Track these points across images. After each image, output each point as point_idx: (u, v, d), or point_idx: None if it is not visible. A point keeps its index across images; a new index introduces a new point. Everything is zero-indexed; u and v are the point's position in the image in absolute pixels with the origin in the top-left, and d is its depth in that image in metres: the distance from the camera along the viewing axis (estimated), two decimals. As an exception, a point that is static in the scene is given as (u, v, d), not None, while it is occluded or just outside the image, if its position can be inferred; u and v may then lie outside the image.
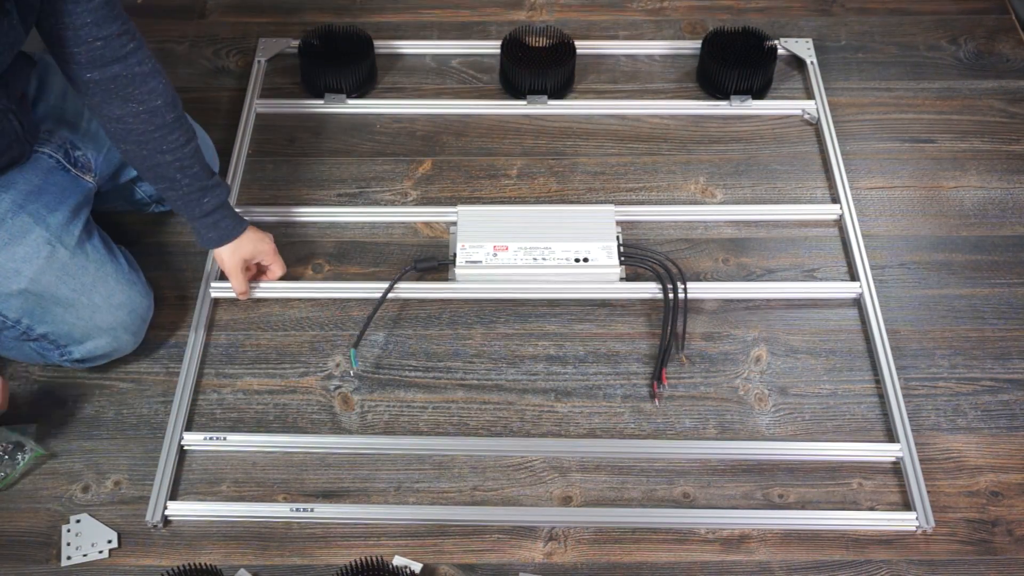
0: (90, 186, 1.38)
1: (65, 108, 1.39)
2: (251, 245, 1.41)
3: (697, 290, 1.47)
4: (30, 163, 1.32)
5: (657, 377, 1.38)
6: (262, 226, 1.55)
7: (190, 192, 1.32)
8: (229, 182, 1.59)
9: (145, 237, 1.52)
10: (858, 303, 1.47)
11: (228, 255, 1.39)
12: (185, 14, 1.89)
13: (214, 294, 1.47)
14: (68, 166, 1.35)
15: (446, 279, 1.48)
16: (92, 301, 1.30)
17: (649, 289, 1.47)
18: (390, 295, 1.45)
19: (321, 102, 1.72)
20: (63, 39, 1.18)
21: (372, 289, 1.46)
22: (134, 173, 1.45)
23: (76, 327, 1.30)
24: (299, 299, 1.48)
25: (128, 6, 1.66)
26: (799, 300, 1.47)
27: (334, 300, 1.47)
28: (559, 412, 1.37)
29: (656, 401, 1.37)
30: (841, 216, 1.56)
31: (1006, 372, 1.40)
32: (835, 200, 1.58)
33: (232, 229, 1.38)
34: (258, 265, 1.46)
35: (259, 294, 1.47)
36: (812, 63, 1.77)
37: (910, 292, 1.49)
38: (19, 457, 1.30)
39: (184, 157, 1.30)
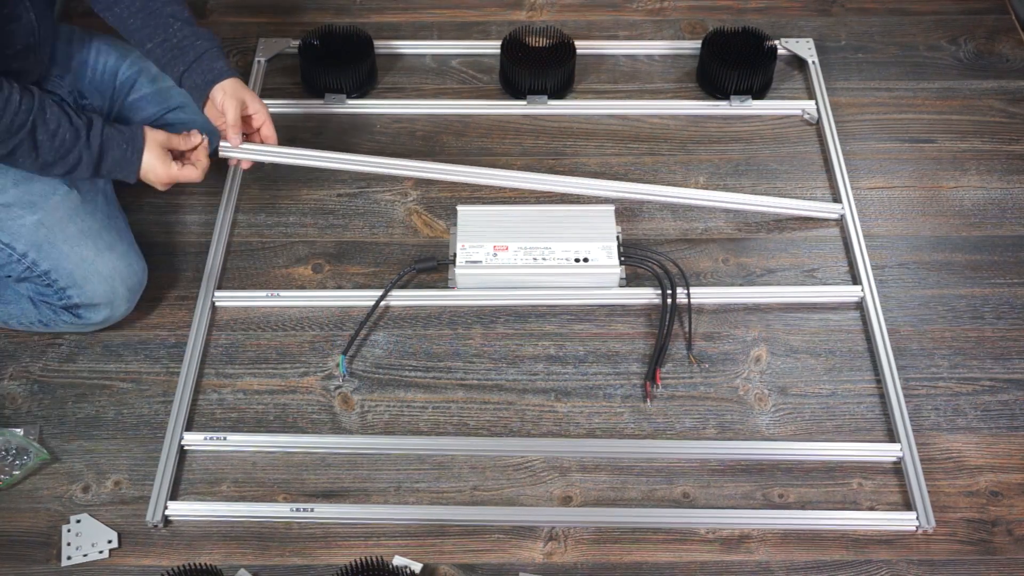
0: None
1: (71, 57, 1.44)
2: (248, 90, 1.40)
3: (698, 295, 1.47)
4: None
5: (651, 377, 1.38)
6: (263, 226, 1.56)
7: (184, 37, 1.36)
8: (229, 182, 1.59)
9: (146, 237, 1.51)
10: (859, 304, 1.47)
11: (228, 91, 1.37)
12: (185, 14, 1.89)
13: (217, 303, 1.47)
14: None
15: (445, 286, 1.48)
16: (96, 245, 1.35)
17: (649, 295, 1.47)
18: (389, 301, 1.46)
19: (321, 102, 1.72)
20: None
21: (372, 297, 1.46)
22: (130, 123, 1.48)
23: (79, 267, 1.33)
24: (302, 301, 1.48)
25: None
26: (800, 302, 1.47)
27: (336, 302, 1.48)
28: (559, 412, 1.37)
29: (649, 401, 1.37)
30: (842, 216, 1.56)
31: (1006, 372, 1.40)
32: (836, 200, 1.58)
33: (226, 70, 1.38)
34: (248, 127, 1.43)
35: (265, 303, 1.47)
36: (813, 63, 1.77)
37: (910, 292, 1.49)
38: (24, 459, 1.30)
39: (175, 2, 1.37)
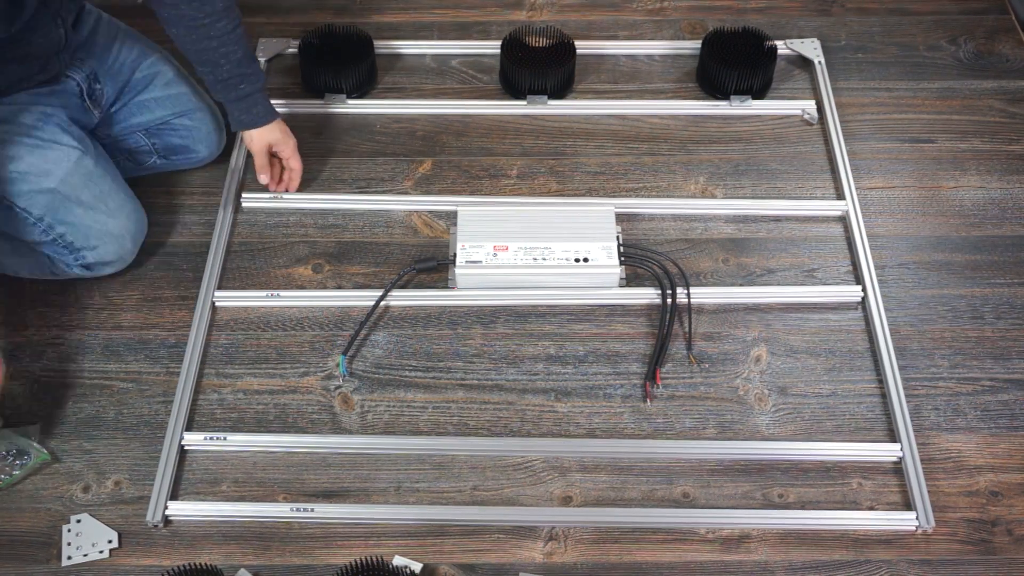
0: (94, 120, 1.50)
1: (95, 42, 1.48)
2: (278, 133, 1.53)
3: (698, 295, 1.47)
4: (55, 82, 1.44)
5: (651, 377, 1.38)
6: (262, 226, 1.56)
7: (229, 77, 1.46)
8: (229, 182, 1.59)
9: (147, 237, 1.52)
10: (860, 304, 1.47)
11: (256, 136, 1.52)
12: (185, 14, 1.89)
13: (217, 303, 1.47)
14: (85, 96, 1.47)
15: (445, 286, 1.48)
16: (108, 207, 1.41)
17: (649, 295, 1.47)
18: (389, 301, 1.46)
19: (321, 102, 1.72)
20: None
21: (372, 297, 1.46)
22: (133, 120, 1.54)
23: (92, 230, 1.40)
24: (302, 301, 1.48)
25: (129, 6, 1.66)
26: (800, 302, 1.48)
27: (336, 302, 1.48)
28: (559, 412, 1.37)
29: (648, 401, 1.37)
30: (846, 215, 1.56)
31: (1006, 372, 1.40)
32: (840, 199, 1.58)
33: (263, 115, 1.51)
34: (279, 160, 1.57)
35: (265, 303, 1.47)
36: (820, 63, 1.77)
37: (910, 292, 1.49)
38: (24, 460, 1.30)
39: (228, 43, 1.43)
